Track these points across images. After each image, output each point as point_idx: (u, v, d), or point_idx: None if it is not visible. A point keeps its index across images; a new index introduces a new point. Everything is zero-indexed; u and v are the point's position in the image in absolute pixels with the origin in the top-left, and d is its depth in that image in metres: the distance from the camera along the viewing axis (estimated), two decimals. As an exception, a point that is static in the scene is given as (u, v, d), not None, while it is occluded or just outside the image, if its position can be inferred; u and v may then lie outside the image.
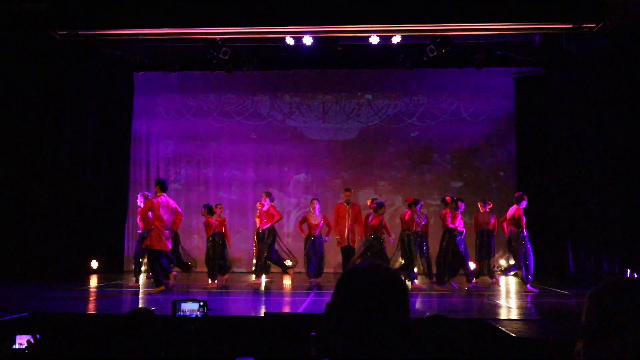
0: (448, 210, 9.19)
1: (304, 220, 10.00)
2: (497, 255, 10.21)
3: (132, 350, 2.60)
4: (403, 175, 12.25)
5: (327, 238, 10.01)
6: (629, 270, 9.30)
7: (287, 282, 10.02)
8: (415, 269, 9.26)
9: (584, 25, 8.55)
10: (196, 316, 5.01)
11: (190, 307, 5.07)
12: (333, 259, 10.80)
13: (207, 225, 9.54)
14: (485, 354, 4.97)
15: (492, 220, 9.99)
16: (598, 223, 9.88)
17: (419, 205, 9.49)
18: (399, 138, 12.25)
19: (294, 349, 4.87)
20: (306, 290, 8.96)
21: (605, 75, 9.80)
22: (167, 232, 8.51)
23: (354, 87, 12.35)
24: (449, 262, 9.07)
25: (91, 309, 7.13)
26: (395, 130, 12.25)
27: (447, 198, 9.51)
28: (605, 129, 9.91)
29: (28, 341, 3.04)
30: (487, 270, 9.89)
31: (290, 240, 11.81)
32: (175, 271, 9.09)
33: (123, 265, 11.71)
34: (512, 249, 9.10)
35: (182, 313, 5.09)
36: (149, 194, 9.37)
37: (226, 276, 9.80)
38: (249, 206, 12.12)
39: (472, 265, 10.60)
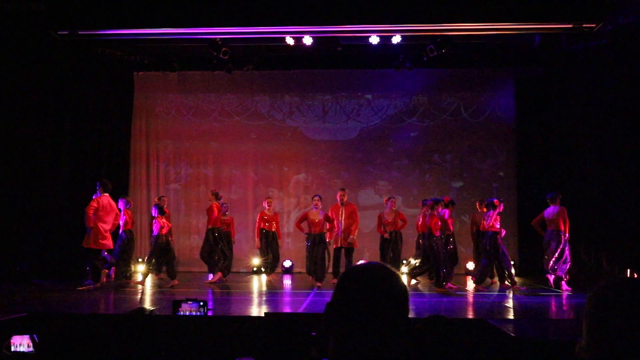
0: (448, 210, 9.19)
1: (304, 218, 9.94)
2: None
3: (132, 351, 2.60)
4: (403, 175, 12.24)
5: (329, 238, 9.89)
6: (629, 270, 9.29)
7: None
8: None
9: (584, 25, 8.53)
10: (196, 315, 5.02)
11: (190, 307, 5.08)
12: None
13: (209, 210, 9.49)
14: (485, 354, 4.97)
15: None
16: (598, 223, 9.88)
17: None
18: (399, 138, 12.23)
19: (294, 349, 4.86)
20: (306, 290, 8.97)
21: (605, 75, 9.79)
22: (107, 232, 8.89)
23: (354, 87, 12.33)
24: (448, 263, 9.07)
25: (91, 309, 7.13)
26: (395, 130, 12.24)
27: (446, 198, 9.53)
28: (606, 128, 9.90)
29: (33, 340, 3.03)
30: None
31: (290, 240, 11.79)
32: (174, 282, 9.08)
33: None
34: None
35: (182, 313, 5.09)
36: (129, 203, 9.67)
37: (222, 276, 9.73)
38: (249, 206, 12.13)
39: (471, 266, 10.60)
